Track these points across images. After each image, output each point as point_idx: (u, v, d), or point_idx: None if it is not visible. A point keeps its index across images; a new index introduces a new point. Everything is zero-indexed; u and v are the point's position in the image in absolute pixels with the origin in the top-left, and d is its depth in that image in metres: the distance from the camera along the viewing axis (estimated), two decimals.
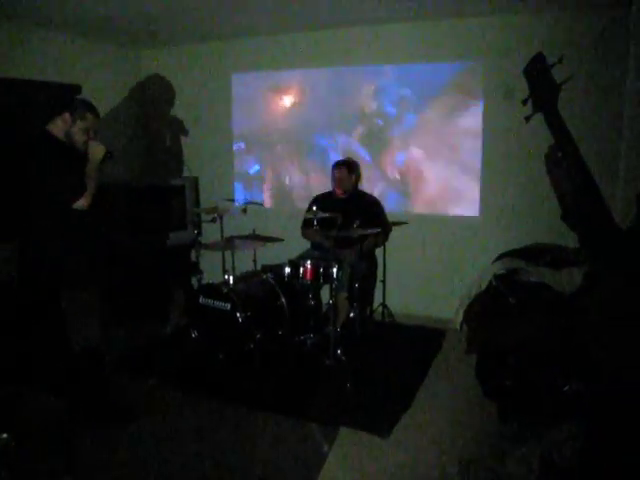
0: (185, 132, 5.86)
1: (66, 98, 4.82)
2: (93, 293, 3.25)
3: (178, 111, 5.88)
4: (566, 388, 3.16)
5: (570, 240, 3.97)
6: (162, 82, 5.87)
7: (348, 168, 4.65)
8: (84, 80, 5.04)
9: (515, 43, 4.38)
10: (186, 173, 5.80)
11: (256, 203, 4.49)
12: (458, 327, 3.76)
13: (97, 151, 3.15)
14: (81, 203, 3.03)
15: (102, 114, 5.20)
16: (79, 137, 3.14)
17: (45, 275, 3.12)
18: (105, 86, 5.39)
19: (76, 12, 4.17)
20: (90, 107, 3.22)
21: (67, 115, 3.10)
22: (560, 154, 1.45)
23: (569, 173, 1.44)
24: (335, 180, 4.65)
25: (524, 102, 1.53)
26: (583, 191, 1.45)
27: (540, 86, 1.48)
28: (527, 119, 1.54)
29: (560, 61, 1.47)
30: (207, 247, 4.59)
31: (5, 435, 1.81)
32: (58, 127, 3.11)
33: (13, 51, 4.47)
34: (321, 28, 4.97)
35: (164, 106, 5.92)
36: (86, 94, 4.96)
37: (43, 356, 3.30)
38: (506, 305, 3.49)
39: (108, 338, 3.42)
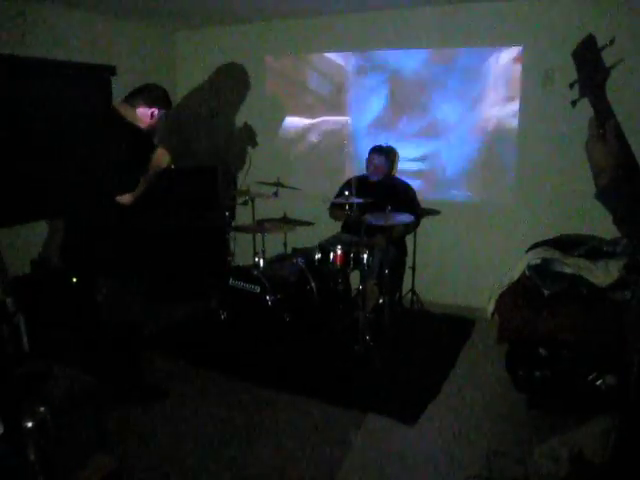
0: (219, 114, 5.87)
1: (101, 79, 4.89)
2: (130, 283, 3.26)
3: (212, 93, 5.88)
4: (599, 382, 3.11)
5: (606, 231, 3.90)
6: (196, 63, 5.87)
7: (384, 154, 4.61)
8: (119, 61, 5.08)
9: (556, 27, 4.26)
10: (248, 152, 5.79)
11: (288, 187, 4.47)
12: (489, 316, 3.71)
13: (163, 159, 3.12)
14: (125, 199, 2.98)
15: None
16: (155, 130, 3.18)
17: (84, 258, 3.14)
18: (139, 67, 5.42)
19: None
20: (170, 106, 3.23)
21: (156, 112, 3.09)
22: (602, 130, 1.40)
23: (611, 151, 1.39)
24: (371, 165, 4.61)
25: (571, 86, 1.48)
26: (624, 170, 1.40)
27: (589, 69, 1.43)
28: (573, 103, 1.49)
29: (611, 43, 1.41)
30: (238, 229, 4.61)
31: (43, 409, 1.85)
32: (141, 118, 3.07)
33: (48, 32, 4.50)
34: (356, 10, 4.90)
35: (198, 87, 5.94)
36: (120, 75, 5.02)
37: (77, 332, 3.37)
38: (540, 295, 3.43)
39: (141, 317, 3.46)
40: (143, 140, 3.10)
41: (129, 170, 2.96)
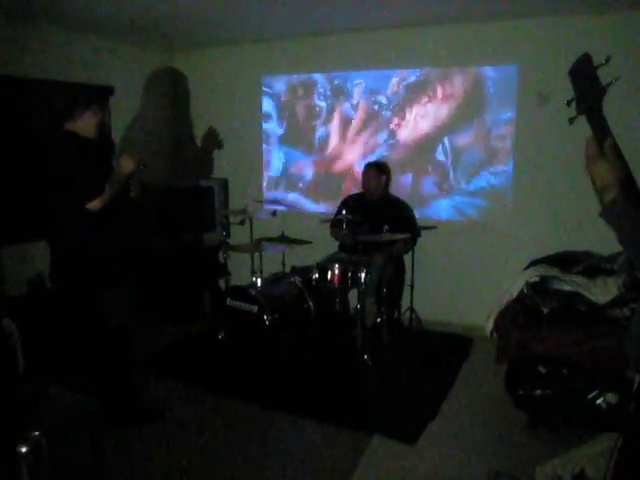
0: (215, 134, 5.89)
1: (99, 99, 4.92)
2: (124, 289, 3.29)
3: (209, 112, 5.91)
4: (600, 400, 3.09)
5: (603, 247, 3.90)
6: (194, 83, 5.92)
7: (378, 169, 4.64)
8: (117, 82, 5.11)
9: (551, 47, 4.30)
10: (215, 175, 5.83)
11: (285, 205, 4.48)
12: (488, 335, 3.70)
13: (127, 165, 3.13)
14: (93, 205, 3.00)
15: (134, 115, 5.34)
16: (102, 128, 3.18)
17: (77, 273, 3.14)
18: (137, 87, 5.45)
19: (108, 14, 4.21)
20: (95, 97, 3.23)
21: (95, 107, 3.10)
22: (600, 149, 1.40)
23: (613, 167, 1.39)
24: (364, 180, 4.65)
25: (568, 103, 1.48)
26: (627, 186, 1.40)
27: (585, 87, 1.43)
28: (571, 121, 1.50)
29: (607, 61, 1.42)
30: (235, 249, 4.60)
31: (37, 433, 1.83)
32: (83, 125, 3.09)
33: (46, 53, 4.54)
34: (352, 31, 4.95)
35: (195, 107, 5.97)
36: (119, 95, 5.05)
37: (74, 349, 3.36)
38: (538, 313, 3.42)
39: (136, 337, 3.45)
40: (92, 147, 3.12)
41: (86, 179, 3.00)
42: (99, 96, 3.19)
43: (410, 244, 4.55)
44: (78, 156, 3.01)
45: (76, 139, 3.09)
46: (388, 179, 4.80)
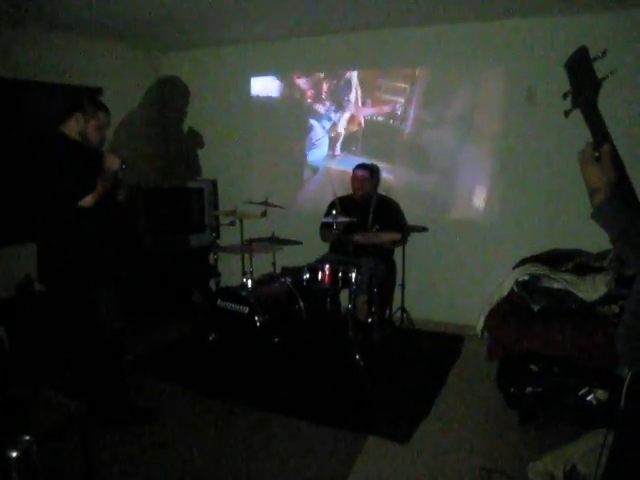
0: (204, 134, 5.87)
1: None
2: (116, 290, 3.29)
3: (197, 113, 5.89)
4: (590, 397, 3.11)
5: (592, 245, 3.93)
6: (182, 85, 5.89)
7: (369, 172, 4.65)
8: (105, 83, 5.07)
9: (537, 46, 4.32)
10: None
11: (276, 206, 4.46)
12: (479, 333, 3.71)
13: (112, 162, 3.16)
14: (87, 201, 3.02)
15: (122, 116, 5.30)
16: (94, 136, 3.17)
17: (66, 273, 3.13)
18: (126, 89, 5.42)
19: (97, 15, 4.18)
20: (100, 105, 3.24)
21: (79, 115, 3.11)
22: (597, 153, 1.41)
23: (605, 171, 1.40)
24: (355, 183, 4.65)
25: (564, 96, 1.49)
26: (617, 188, 1.42)
27: (581, 80, 1.44)
28: (566, 114, 1.51)
29: (603, 55, 1.44)
30: (225, 250, 4.58)
31: (28, 437, 1.81)
32: (71, 128, 3.13)
33: (35, 54, 4.49)
34: (341, 31, 4.94)
35: (184, 108, 5.94)
36: (107, 97, 5.00)
37: (65, 353, 3.34)
38: (529, 311, 3.44)
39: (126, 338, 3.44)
40: (81, 150, 3.14)
41: (77, 176, 3.03)
42: (90, 104, 3.18)
43: (400, 240, 4.56)
44: (65, 156, 3.03)
45: (64, 140, 3.10)
46: (377, 181, 4.82)
